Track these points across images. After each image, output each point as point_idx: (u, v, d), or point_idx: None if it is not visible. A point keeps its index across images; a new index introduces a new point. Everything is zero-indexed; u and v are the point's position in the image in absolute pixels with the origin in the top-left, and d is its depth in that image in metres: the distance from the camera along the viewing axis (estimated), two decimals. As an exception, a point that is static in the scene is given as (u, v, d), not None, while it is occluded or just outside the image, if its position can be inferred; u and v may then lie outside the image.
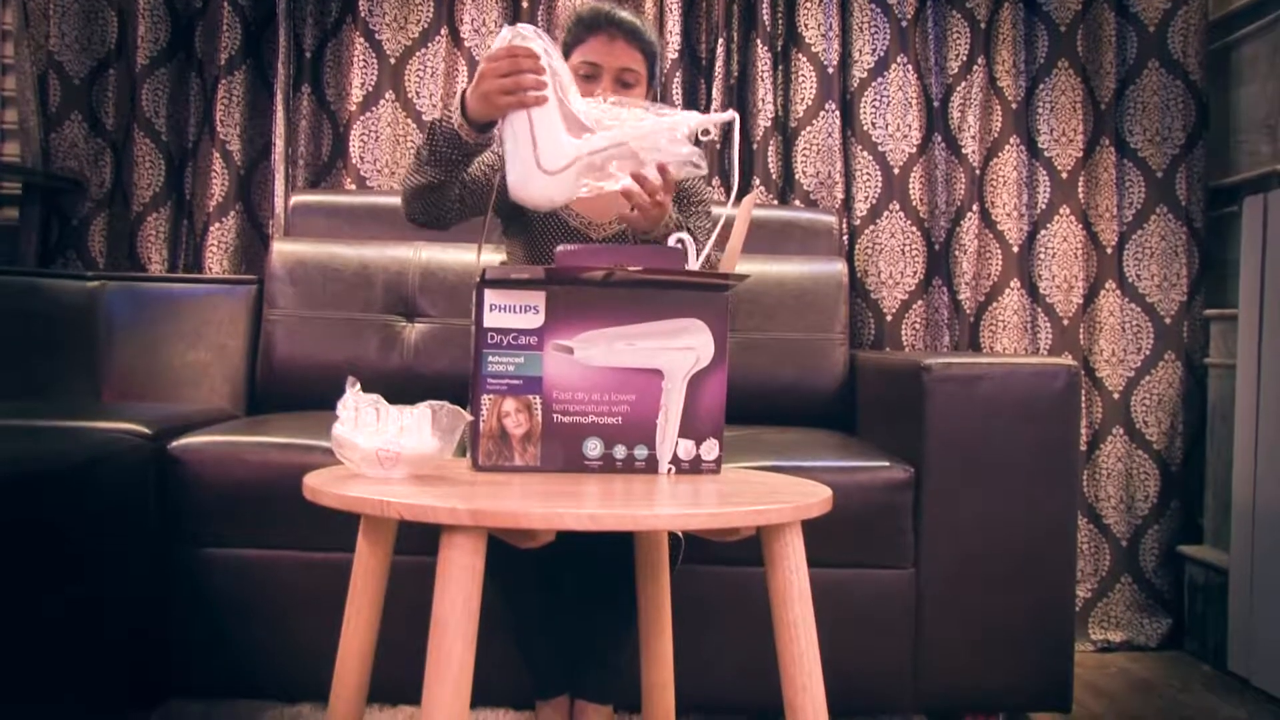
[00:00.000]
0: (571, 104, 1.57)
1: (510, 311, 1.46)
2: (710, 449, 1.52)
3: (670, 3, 2.89)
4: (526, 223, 2.08)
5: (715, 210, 2.16)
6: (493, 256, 2.34)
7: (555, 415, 1.46)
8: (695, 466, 1.51)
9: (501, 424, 1.46)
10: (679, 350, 1.49)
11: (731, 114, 1.66)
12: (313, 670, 1.87)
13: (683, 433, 1.50)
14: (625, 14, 2.02)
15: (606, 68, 1.98)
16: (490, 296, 1.45)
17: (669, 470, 1.50)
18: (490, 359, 1.45)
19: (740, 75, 2.94)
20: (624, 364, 1.47)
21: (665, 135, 1.59)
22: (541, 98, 1.55)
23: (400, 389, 1.67)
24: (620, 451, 1.49)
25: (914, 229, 2.91)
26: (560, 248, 1.52)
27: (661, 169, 1.63)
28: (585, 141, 1.56)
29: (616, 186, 1.60)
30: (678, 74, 2.89)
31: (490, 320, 1.45)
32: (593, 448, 1.48)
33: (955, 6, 2.94)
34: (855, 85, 2.94)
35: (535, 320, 1.46)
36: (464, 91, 1.67)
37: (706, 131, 1.63)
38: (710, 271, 1.55)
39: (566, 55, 2.00)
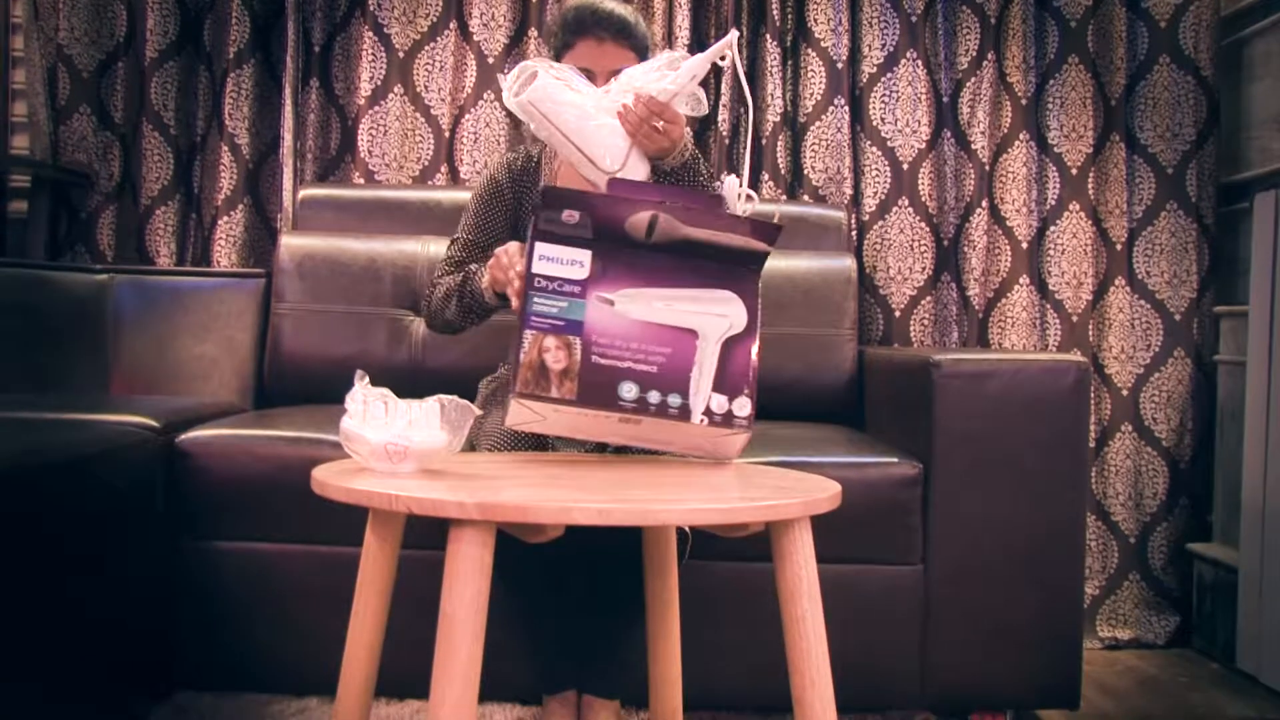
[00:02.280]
0: (593, 103, 1.71)
1: (558, 263, 1.52)
2: (742, 405, 1.54)
3: (679, -3, 2.88)
4: (529, 221, 2.09)
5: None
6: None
7: (594, 356, 1.51)
8: (727, 420, 1.53)
9: (542, 358, 1.49)
10: (714, 316, 1.54)
11: (730, 34, 1.80)
12: (320, 664, 1.87)
13: (716, 388, 1.53)
14: (608, 9, 1.99)
15: (599, 72, 1.96)
16: (540, 248, 1.52)
17: (702, 420, 1.52)
18: (535, 300, 1.51)
19: (749, 70, 2.93)
20: (661, 321, 1.52)
21: (658, 73, 1.75)
22: (516, 296, 1.72)
23: (408, 383, 1.67)
24: (654, 397, 1.52)
25: (923, 225, 2.90)
26: (613, 179, 1.61)
27: (648, 101, 1.74)
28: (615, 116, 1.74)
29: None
30: (687, 69, 2.88)
31: (538, 267, 1.52)
32: (628, 390, 1.51)
33: (965, 1, 2.93)
34: (864, 80, 2.93)
35: (580, 273, 1.52)
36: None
37: (723, 57, 1.77)
38: (751, 218, 1.60)
39: (557, 60, 1.99)
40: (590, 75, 1.95)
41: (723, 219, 1.55)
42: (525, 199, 2.09)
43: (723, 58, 1.79)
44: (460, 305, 1.98)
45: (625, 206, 1.51)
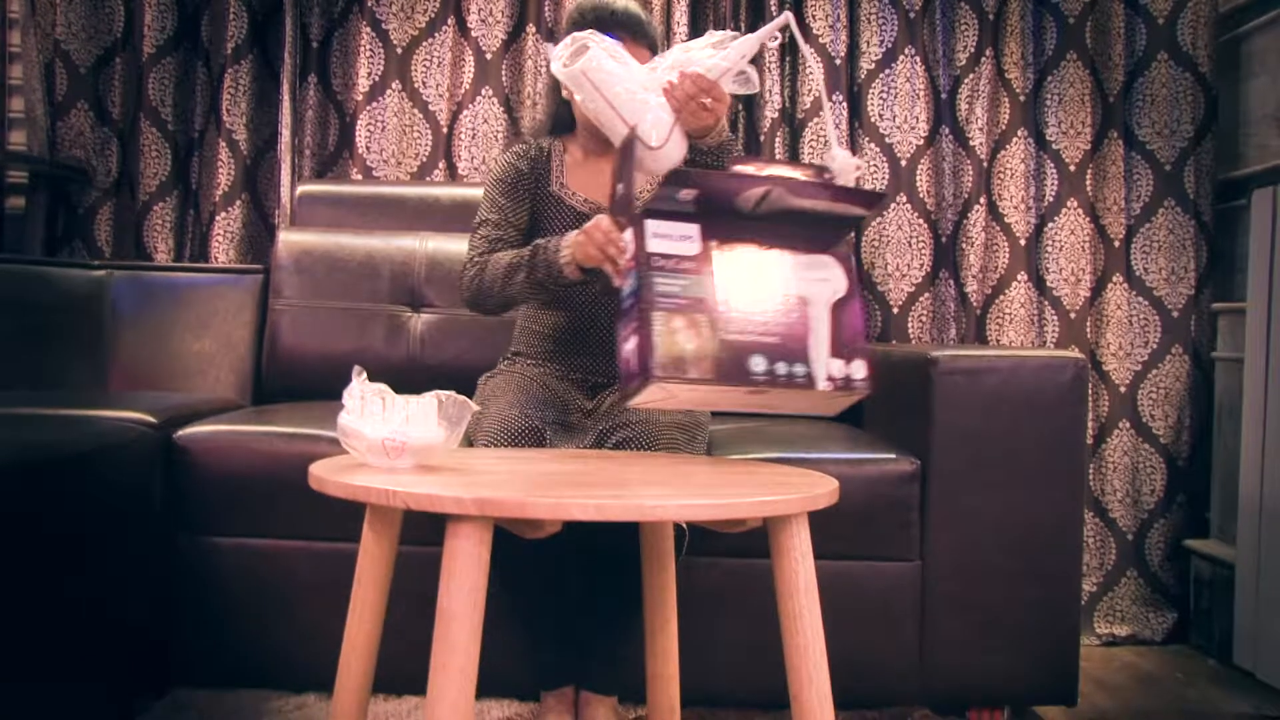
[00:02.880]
0: (640, 79, 1.71)
1: (670, 239, 1.53)
2: (859, 369, 1.56)
3: (678, -7, 2.88)
4: (540, 215, 2.10)
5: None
6: None
7: (721, 333, 1.51)
8: (848, 385, 1.55)
9: (675, 339, 1.49)
10: (818, 281, 1.56)
11: (785, 15, 1.79)
12: (318, 660, 1.87)
13: (833, 353, 1.55)
14: (622, 6, 2.00)
15: None
16: (651, 226, 1.53)
17: (826, 387, 1.53)
18: (658, 280, 1.51)
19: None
20: (776, 289, 1.54)
21: (705, 51, 1.75)
22: (619, 274, 1.66)
23: (406, 379, 1.67)
24: (781, 368, 1.52)
25: (921, 221, 2.90)
26: (734, 164, 1.59)
27: (695, 77, 1.73)
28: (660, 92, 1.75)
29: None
30: (685, 65, 2.88)
31: (654, 245, 1.52)
32: (758, 364, 1.51)
33: (964, -2, 2.93)
34: (863, 77, 2.93)
35: (693, 247, 1.53)
36: (571, 238, 1.83)
37: (775, 37, 1.79)
38: (858, 189, 1.64)
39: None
40: None
41: (828, 189, 1.57)
42: (540, 188, 2.09)
43: (774, 39, 1.79)
44: (529, 279, 1.92)
45: (741, 182, 1.52)
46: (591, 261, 1.78)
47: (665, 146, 1.73)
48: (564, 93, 2.06)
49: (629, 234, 1.58)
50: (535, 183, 2.10)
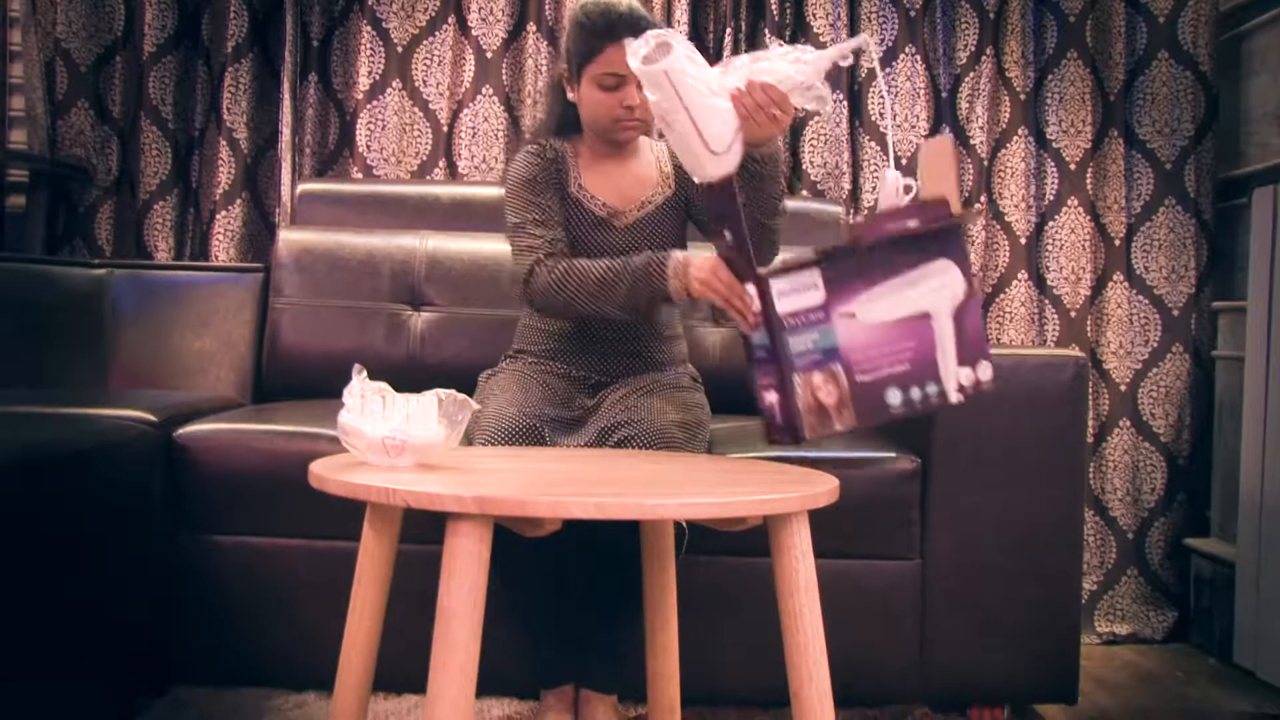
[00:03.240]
0: (713, 82, 1.68)
1: (796, 294, 1.61)
2: (985, 370, 1.60)
3: (678, -8, 2.88)
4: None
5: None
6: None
7: (857, 376, 1.58)
8: (977, 389, 1.60)
9: (816, 397, 1.57)
10: (938, 291, 1.59)
11: (861, 37, 1.79)
12: (318, 658, 1.87)
13: (960, 361, 1.59)
14: (627, 8, 1.97)
15: (630, 76, 1.91)
16: (776, 284, 1.61)
17: (958, 399, 1.58)
18: (792, 341, 1.60)
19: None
20: (899, 315, 1.58)
21: (775, 63, 1.71)
22: (749, 326, 1.69)
23: (406, 378, 1.67)
24: (916, 394, 1.59)
25: (921, 220, 2.90)
26: (849, 222, 1.64)
27: (766, 87, 1.70)
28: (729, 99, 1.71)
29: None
30: (685, 63, 2.88)
31: (783, 306, 1.61)
32: (894, 397, 1.59)
33: (964, -4, 2.93)
34: (863, 75, 2.93)
35: (818, 296, 1.60)
36: (676, 267, 1.84)
37: (847, 58, 1.75)
38: (959, 215, 1.66)
39: (582, 65, 1.97)
40: (621, 80, 1.94)
41: (912, 210, 1.61)
42: (561, 189, 2.07)
43: (846, 59, 1.76)
44: (631, 296, 1.89)
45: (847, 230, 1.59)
46: (715, 299, 1.78)
47: (726, 154, 1.71)
48: (570, 95, 2.05)
49: (751, 287, 1.65)
50: (555, 180, 2.07)
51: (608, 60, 1.94)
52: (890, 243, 1.59)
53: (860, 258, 1.59)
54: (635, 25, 1.94)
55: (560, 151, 2.10)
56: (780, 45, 1.82)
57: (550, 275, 1.94)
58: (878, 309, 1.59)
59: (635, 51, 1.68)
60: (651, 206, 2.10)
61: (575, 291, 1.92)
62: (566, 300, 1.94)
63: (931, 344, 1.58)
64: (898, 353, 1.58)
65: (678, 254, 1.87)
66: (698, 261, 1.82)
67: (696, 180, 1.74)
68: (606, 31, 1.94)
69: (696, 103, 1.68)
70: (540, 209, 2.03)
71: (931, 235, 1.60)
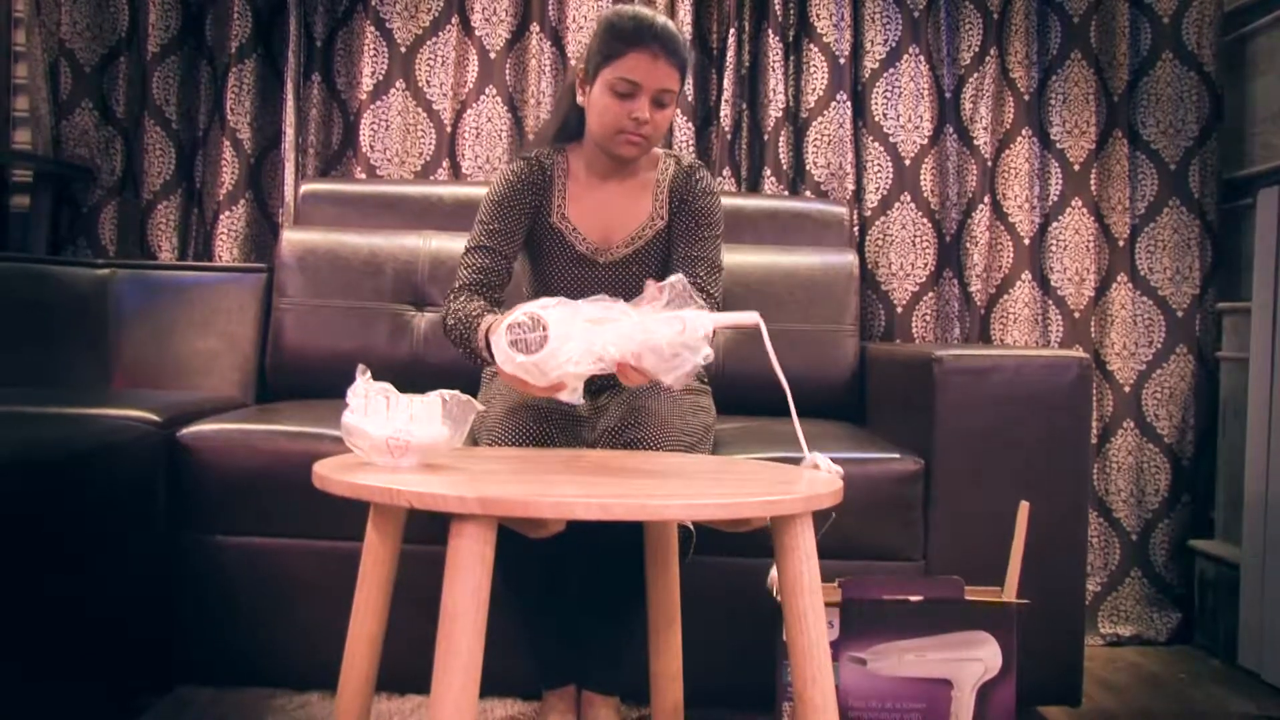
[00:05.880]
0: (585, 315, 1.53)
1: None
2: None
3: (682, -8, 2.88)
4: (538, 247, 2.07)
5: None
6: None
7: (850, 716, 1.54)
8: None
9: None
10: (967, 661, 1.55)
11: (754, 318, 1.58)
12: (321, 659, 1.87)
13: None
14: (662, 23, 1.93)
15: (646, 87, 1.90)
16: None
17: None
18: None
19: (751, 65, 2.93)
20: (914, 674, 1.54)
21: (671, 341, 1.54)
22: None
23: (410, 378, 1.67)
24: None
25: (925, 220, 2.90)
26: (844, 582, 1.63)
27: (639, 368, 1.55)
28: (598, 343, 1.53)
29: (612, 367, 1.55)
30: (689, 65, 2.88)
31: None
32: None
33: (968, -3, 2.93)
34: (867, 76, 2.92)
35: (829, 634, 1.48)
36: (493, 343, 1.59)
37: (730, 329, 1.62)
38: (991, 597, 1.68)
39: (600, 66, 1.92)
40: (636, 88, 1.90)
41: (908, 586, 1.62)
42: (541, 218, 2.04)
43: (730, 332, 1.60)
44: (471, 356, 1.91)
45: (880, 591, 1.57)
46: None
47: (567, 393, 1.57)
48: (580, 98, 2.00)
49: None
50: (535, 209, 2.03)
51: (628, 65, 1.89)
52: (937, 601, 1.57)
53: (891, 606, 1.56)
54: (667, 38, 1.91)
55: (549, 171, 2.04)
56: (674, 310, 1.55)
57: (452, 313, 1.93)
58: (892, 663, 1.54)
59: (509, 359, 1.52)
60: (640, 242, 2.05)
61: (457, 331, 1.91)
62: (453, 341, 1.94)
63: (945, 712, 1.52)
64: (902, 711, 1.54)
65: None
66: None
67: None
68: (634, 36, 1.90)
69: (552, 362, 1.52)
70: (495, 235, 1.99)
71: (981, 610, 1.57)
